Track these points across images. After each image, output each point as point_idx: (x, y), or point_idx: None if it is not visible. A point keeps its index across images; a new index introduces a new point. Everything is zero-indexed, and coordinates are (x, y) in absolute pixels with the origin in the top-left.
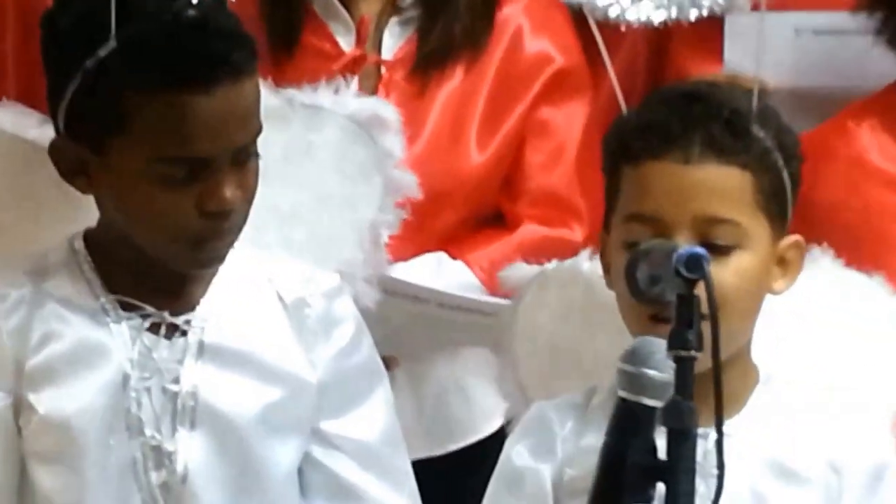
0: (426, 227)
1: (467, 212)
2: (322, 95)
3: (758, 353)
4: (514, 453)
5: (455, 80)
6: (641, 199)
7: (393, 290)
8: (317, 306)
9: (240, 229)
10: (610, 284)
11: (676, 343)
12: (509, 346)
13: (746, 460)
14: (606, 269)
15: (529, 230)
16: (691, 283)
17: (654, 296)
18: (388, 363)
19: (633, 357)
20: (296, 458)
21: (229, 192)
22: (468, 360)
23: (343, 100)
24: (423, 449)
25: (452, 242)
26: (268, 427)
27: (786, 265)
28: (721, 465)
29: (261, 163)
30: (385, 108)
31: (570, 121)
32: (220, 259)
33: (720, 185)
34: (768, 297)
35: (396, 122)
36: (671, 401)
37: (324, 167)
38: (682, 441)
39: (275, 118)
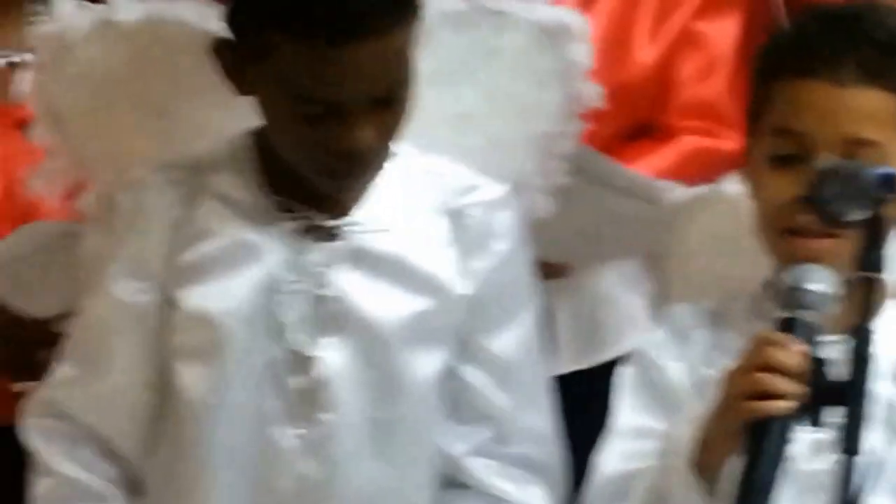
0: (585, 136)
1: (627, 121)
2: (510, 2)
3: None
4: (652, 347)
5: None
6: (792, 116)
7: (586, 168)
8: (477, 216)
9: (376, 169)
10: (752, 194)
11: (863, 265)
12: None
13: (878, 374)
14: (749, 177)
15: (687, 141)
16: (880, 204)
17: (835, 214)
18: (559, 270)
19: (797, 274)
20: (439, 368)
21: (361, 134)
22: (624, 274)
23: (530, 6)
24: (575, 361)
25: (610, 154)
26: (413, 336)
27: None
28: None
29: (438, 65)
30: (573, 17)
31: (725, 33)
32: (358, 190)
33: (870, 108)
34: None
35: (584, 31)
36: (858, 325)
37: (504, 73)
38: (863, 364)
39: (457, 21)
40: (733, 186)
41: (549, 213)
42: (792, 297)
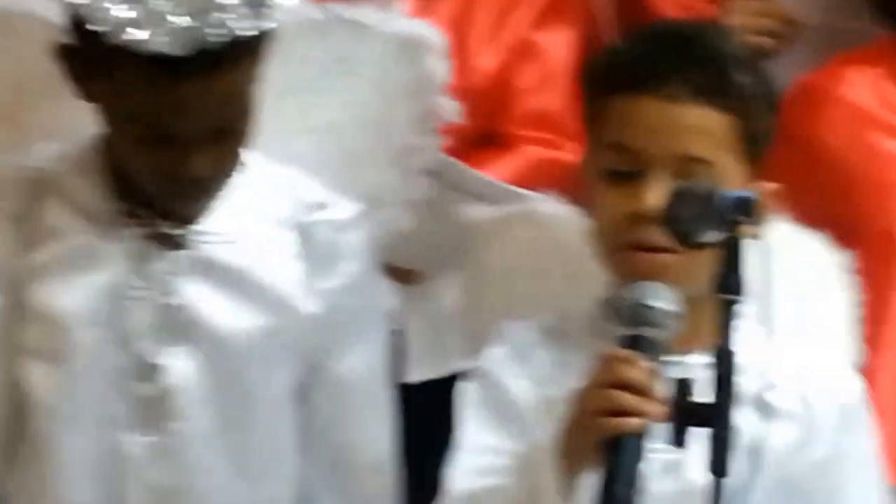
0: None
1: (468, 128)
2: (367, 13)
3: None
4: (494, 365)
5: None
6: (625, 131)
7: (440, 174)
8: (325, 236)
9: (214, 192)
10: (587, 210)
11: (722, 287)
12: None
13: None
14: (583, 194)
15: (530, 151)
16: (736, 227)
17: (690, 235)
18: (410, 277)
19: (640, 292)
20: (287, 384)
21: (197, 163)
22: None
23: (388, 18)
24: (426, 370)
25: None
26: (261, 350)
27: None
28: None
29: (296, 75)
30: (431, 32)
31: (561, 45)
32: (199, 209)
33: (703, 127)
34: None
35: (443, 46)
36: (720, 347)
37: (362, 85)
38: (727, 386)
39: (314, 31)
40: (547, 204)
41: (406, 227)
42: (636, 314)
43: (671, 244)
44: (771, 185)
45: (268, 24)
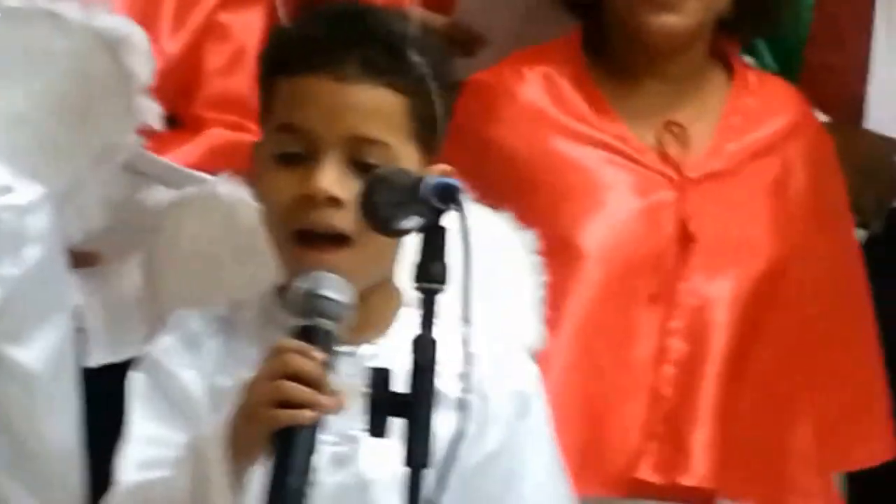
0: None
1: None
2: (69, 5)
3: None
4: (162, 355)
5: None
6: (295, 112)
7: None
8: (8, 221)
9: None
10: (257, 196)
11: (423, 276)
12: (151, 274)
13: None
14: (257, 179)
15: (216, 134)
16: (439, 214)
17: (392, 225)
18: (89, 259)
19: (312, 282)
20: None
21: None
22: None
23: (89, 11)
24: (106, 354)
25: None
26: None
27: None
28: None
29: None
30: (133, 29)
31: (249, 26)
32: None
33: (373, 106)
34: None
35: (145, 45)
36: (418, 335)
37: (59, 77)
38: (425, 374)
39: (11, 19)
40: (226, 187)
41: (101, 221)
42: (309, 304)
43: (343, 229)
44: (445, 168)
45: None
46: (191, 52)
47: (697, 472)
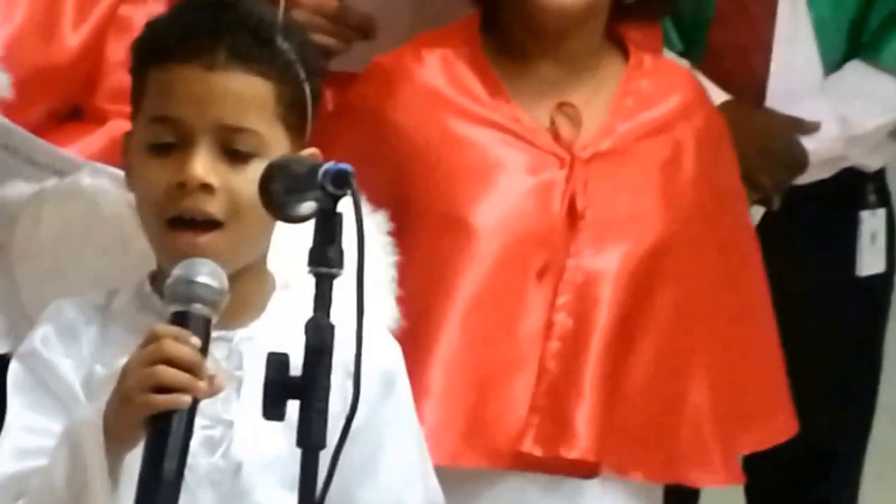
0: (17, 119)
1: (56, 103)
2: None
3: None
4: (40, 344)
5: None
6: (165, 102)
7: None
8: None
9: None
10: (130, 186)
11: (316, 260)
12: (9, 267)
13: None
14: (129, 170)
15: (117, 125)
16: (335, 200)
17: (288, 211)
18: None
19: (186, 268)
20: None
21: None
22: None
23: None
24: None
25: (40, 136)
26: None
27: None
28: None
29: None
30: None
31: (152, 17)
32: None
33: (242, 94)
34: None
35: None
36: (312, 318)
37: None
38: (320, 358)
39: None
40: (91, 178)
41: None
42: (183, 290)
43: (214, 214)
44: (315, 151)
45: None
46: (93, 44)
47: (580, 445)
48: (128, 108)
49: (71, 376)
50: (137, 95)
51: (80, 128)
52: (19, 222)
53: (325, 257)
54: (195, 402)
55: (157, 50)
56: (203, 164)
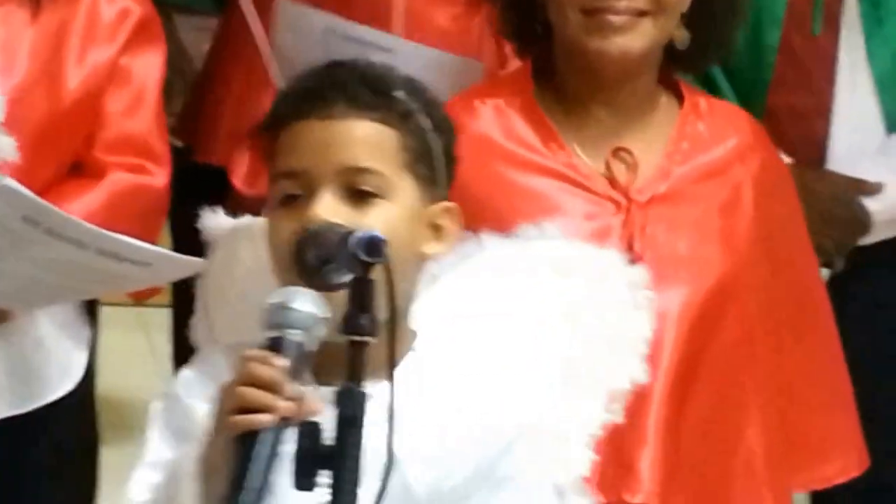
0: (29, 182)
1: (64, 157)
2: None
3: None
4: (181, 388)
5: (47, 13)
6: (289, 158)
7: (31, 217)
8: None
9: None
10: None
11: (351, 328)
12: (203, 296)
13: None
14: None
15: (118, 179)
16: (367, 267)
17: (323, 278)
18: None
19: (282, 296)
20: None
21: None
22: (59, 320)
23: None
24: (11, 406)
25: (47, 195)
26: None
27: (439, 231)
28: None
29: None
30: None
31: (149, 67)
32: None
33: (361, 136)
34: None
35: None
36: (344, 386)
37: None
38: (352, 427)
39: None
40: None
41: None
42: (276, 316)
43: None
44: (449, 205)
45: None
46: (91, 96)
47: (644, 489)
48: (126, 159)
49: (207, 419)
50: (269, 159)
51: (79, 185)
52: (216, 253)
53: (358, 325)
54: (283, 424)
55: (282, 113)
56: (325, 206)
